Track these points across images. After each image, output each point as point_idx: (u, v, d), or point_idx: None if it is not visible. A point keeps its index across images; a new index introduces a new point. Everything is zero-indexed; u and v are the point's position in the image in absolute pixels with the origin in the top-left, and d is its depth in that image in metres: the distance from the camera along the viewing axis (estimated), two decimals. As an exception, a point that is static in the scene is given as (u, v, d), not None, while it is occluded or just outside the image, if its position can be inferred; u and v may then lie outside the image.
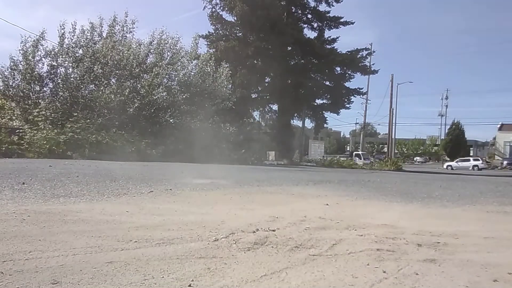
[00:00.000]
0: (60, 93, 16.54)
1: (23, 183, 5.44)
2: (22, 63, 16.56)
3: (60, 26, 17.47)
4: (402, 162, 30.95)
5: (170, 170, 9.77)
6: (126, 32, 19.31)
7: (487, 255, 3.04)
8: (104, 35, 18.73)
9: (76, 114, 15.68)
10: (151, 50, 19.65)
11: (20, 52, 16.61)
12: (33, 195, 4.65)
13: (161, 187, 6.18)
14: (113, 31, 18.88)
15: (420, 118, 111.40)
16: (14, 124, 16.26)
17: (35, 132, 14.11)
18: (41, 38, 16.92)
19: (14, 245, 2.57)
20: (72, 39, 17.85)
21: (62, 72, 17.29)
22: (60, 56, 17.35)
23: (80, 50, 17.90)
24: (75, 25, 17.86)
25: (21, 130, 14.21)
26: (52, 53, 17.27)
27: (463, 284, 2.32)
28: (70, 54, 17.54)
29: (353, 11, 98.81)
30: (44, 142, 13.72)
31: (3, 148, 12.98)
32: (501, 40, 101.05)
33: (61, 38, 17.55)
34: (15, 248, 2.50)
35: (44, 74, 17.06)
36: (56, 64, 17.25)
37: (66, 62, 17.39)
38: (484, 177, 17.27)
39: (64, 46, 17.56)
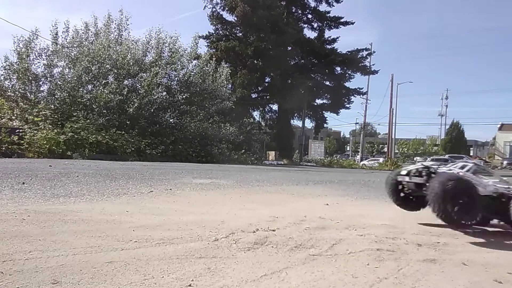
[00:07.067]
0: (57, 93, 16.51)
1: (23, 183, 5.44)
2: (17, 63, 16.48)
3: (53, 26, 17.52)
4: (402, 162, 30.95)
5: (170, 170, 9.77)
6: (122, 30, 19.35)
7: (487, 255, 3.04)
8: (99, 33, 18.73)
9: (76, 114, 15.68)
10: (149, 49, 19.65)
11: (15, 52, 16.57)
12: (33, 195, 4.65)
13: (161, 187, 6.18)
14: (108, 30, 18.87)
15: (420, 118, 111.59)
16: (14, 124, 16.23)
17: (35, 132, 14.10)
18: (35, 37, 16.87)
19: (14, 245, 2.56)
20: (66, 39, 17.88)
21: (58, 72, 17.28)
22: (56, 57, 17.33)
23: (76, 49, 17.89)
24: (68, 24, 17.92)
25: (21, 130, 14.19)
26: (48, 52, 17.25)
27: (463, 284, 2.32)
28: (65, 54, 17.53)
29: (353, 11, 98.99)
30: (44, 142, 13.71)
31: (3, 148, 12.96)
32: (501, 40, 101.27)
33: (55, 37, 17.55)
34: (15, 248, 2.50)
35: (40, 74, 17.03)
36: (51, 63, 17.22)
37: (62, 62, 17.37)
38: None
39: (59, 45, 17.54)
